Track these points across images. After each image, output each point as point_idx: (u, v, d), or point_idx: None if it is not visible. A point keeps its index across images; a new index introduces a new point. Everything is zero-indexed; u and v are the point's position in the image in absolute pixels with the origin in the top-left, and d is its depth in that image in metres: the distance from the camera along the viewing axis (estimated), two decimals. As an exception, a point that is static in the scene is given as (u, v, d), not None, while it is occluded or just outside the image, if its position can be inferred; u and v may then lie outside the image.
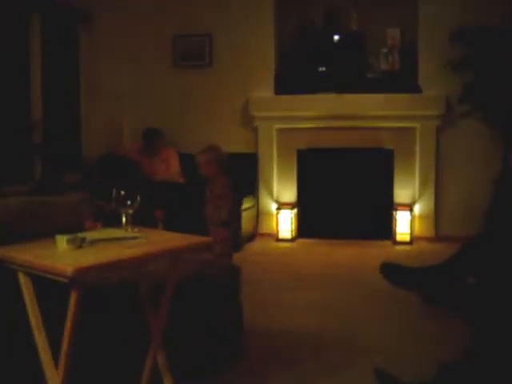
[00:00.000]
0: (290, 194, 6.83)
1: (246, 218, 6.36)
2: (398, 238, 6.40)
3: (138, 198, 2.48)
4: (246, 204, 6.37)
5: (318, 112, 6.59)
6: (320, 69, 6.78)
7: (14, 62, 5.63)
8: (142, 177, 6.32)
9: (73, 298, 1.98)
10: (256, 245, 6.51)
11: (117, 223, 2.54)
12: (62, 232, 2.16)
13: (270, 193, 6.84)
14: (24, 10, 5.57)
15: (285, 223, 6.64)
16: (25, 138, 5.64)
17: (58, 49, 6.29)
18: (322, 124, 6.63)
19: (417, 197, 6.55)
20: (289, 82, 6.78)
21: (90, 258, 2.07)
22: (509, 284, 2.72)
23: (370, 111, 6.49)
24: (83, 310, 2.05)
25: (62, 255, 2.11)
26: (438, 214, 6.55)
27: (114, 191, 2.47)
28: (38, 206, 2.60)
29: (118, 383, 2.63)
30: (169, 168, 6.39)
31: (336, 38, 6.82)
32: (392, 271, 4.12)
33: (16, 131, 5.48)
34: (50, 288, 2.10)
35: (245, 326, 3.38)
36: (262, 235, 6.81)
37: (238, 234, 4.78)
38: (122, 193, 2.46)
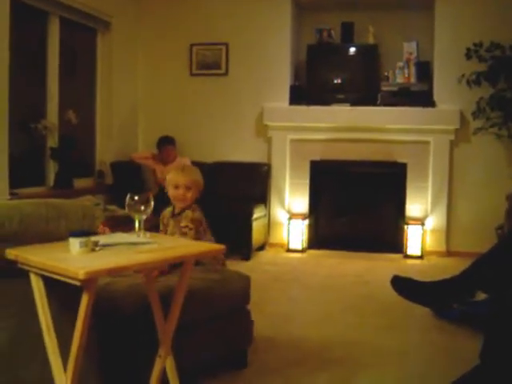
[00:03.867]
0: (301, 204, 6.84)
1: (258, 227, 6.38)
2: (409, 252, 6.39)
3: (152, 203, 2.48)
4: (258, 213, 6.38)
5: (332, 124, 6.61)
6: (335, 80, 6.80)
7: (32, 67, 5.68)
8: (156, 183, 6.36)
9: (84, 300, 1.99)
10: (266, 254, 6.51)
11: (130, 228, 2.55)
12: (75, 235, 2.17)
13: (282, 203, 6.84)
14: (44, 16, 5.61)
15: (296, 234, 6.64)
16: (40, 141, 5.67)
17: (76, 55, 6.34)
18: (335, 136, 6.65)
19: (429, 211, 6.53)
20: (304, 92, 6.80)
21: (102, 261, 2.08)
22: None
23: (384, 124, 6.50)
24: (93, 313, 2.06)
25: (75, 258, 2.12)
26: (449, 229, 6.53)
27: (128, 196, 2.48)
28: (52, 208, 2.61)
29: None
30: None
31: (352, 50, 6.85)
32: (403, 285, 4.09)
33: (31, 135, 5.51)
34: (61, 290, 2.11)
35: (252, 336, 3.37)
36: (273, 245, 6.82)
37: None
38: (136, 198, 2.46)
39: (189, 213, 3.39)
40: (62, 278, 2.00)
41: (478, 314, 3.67)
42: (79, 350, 2.05)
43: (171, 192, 3.49)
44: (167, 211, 3.55)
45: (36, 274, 2.12)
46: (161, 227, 3.52)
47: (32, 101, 5.69)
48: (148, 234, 2.50)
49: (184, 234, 3.27)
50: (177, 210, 3.48)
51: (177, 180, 3.49)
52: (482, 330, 2.97)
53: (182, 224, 3.33)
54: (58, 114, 5.81)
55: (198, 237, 3.27)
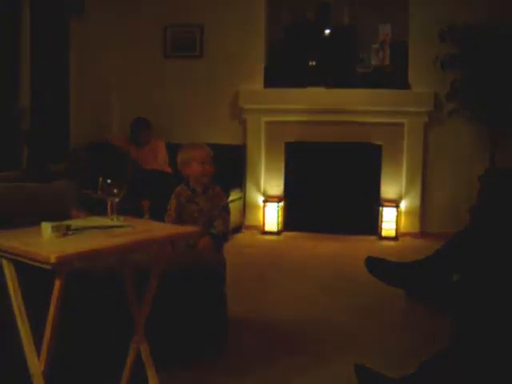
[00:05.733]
0: (277, 186, 6.84)
1: (233, 210, 6.33)
2: (384, 233, 6.44)
3: (125, 186, 2.47)
4: (233, 196, 6.38)
5: (307, 106, 6.60)
6: (310, 62, 6.79)
7: (3, 48, 5.58)
8: (132, 165, 6.31)
9: (56, 285, 1.98)
10: (242, 237, 6.52)
11: (103, 212, 2.53)
12: (48, 220, 2.15)
13: (257, 185, 6.84)
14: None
15: (271, 216, 6.65)
16: (12, 124, 5.59)
17: (49, 35, 6.24)
18: (310, 118, 6.64)
19: (403, 193, 6.58)
20: (279, 75, 6.78)
21: (74, 245, 2.07)
22: (493, 280, 2.74)
23: (359, 106, 6.50)
24: (67, 299, 2.05)
25: (47, 243, 2.10)
26: (423, 211, 6.58)
27: (100, 179, 2.46)
28: (24, 193, 2.59)
29: (100, 372, 2.63)
30: (156, 158, 6.39)
31: (327, 31, 6.83)
32: (377, 265, 4.12)
33: (3, 118, 5.43)
34: (34, 275, 2.10)
35: (229, 319, 3.38)
36: (249, 227, 6.82)
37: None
38: (109, 181, 2.45)
39: (222, 194, 3.63)
40: (34, 263, 1.98)
41: (451, 295, 3.71)
42: (52, 335, 2.04)
43: (197, 168, 3.51)
44: (183, 189, 3.57)
45: (7, 259, 2.10)
46: (173, 205, 3.54)
47: (3, 84, 5.60)
48: (121, 218, 2.48)
49: (226, 212, 3.57)
50: (200, 188, 3.53)
51: (203, 156, 3.54)
52: (454, 311, 3.01)
53: (223, 203, 3.60)
54: (31, 97, 5.73)
55: None
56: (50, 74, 6.26)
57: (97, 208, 2.84)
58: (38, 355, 2.08)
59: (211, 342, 3.26)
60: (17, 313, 2.12)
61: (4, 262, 2.11)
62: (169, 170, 6.30)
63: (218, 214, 3.53)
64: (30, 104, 5.71)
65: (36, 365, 2.09)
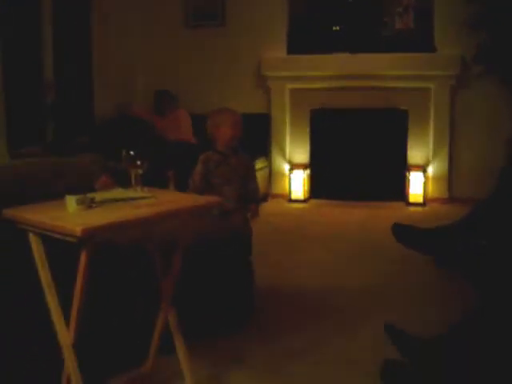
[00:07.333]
0: (302, 154, 6.81)
1: (259, 178, 6.29)
2: (411, 199, 6.39)
3: (149, 157, 2.47)
4: (259, 165, 6.36)
5: (332, 72, 6.53)
6: (334, 28, 6.70)
7: (26, 21, 5.58)
8: (155, 137, 6.32)
9: (82, 257, 1.99)
10: (268, 205, 6.51)
11: (128, 184, 2.53)
12: (74, 193, 2.16)
13: (283, 153, 6.82)
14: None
15: (297, 184, 6.64)
16: (37, 98, 5.62)
17: (70, 8, 6.23)
18: (335, 84, 6.57)
19: (430, 158, 6.51)
20: (302, 41, 6.71)
21: (99, 217, 2.07)
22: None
23: (384, 71, 6.42)
24: (93, 270, 2.06)
25: (72, 215, 2.11)
26: (451, 176, 6.51)
27: (124, 151, 2.46)
28: (49, 167, 2.60)
29: (128, 343, 2.66)
30: (180, 129, 6.38)
31: (351, -4, 6.72)
32: (404, 232, 4.09)
33: (28, 92, 5.45)
34: (60, 248, 2.11)
35: (256, 287, 3.40)
36: (275, 196, 6.82)
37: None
38: (132, 153, 2.45)
39: (250, 161, 3.76)
40: (60, 236, 2.00)
41: (476, 261, 3.69)
42: (80, 305, 2.06)
43: (227, 131, 3.45)
44: (211, 154, 3.48)
45: (34, 233, 2.12)
46: (199, 169, 3.44)
47: (27, 57, 5.61)
48: (146, 189, 2.49)
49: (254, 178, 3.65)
50: (228, 151, 3.48)
51: (234, 119, 3.49)
52: (478, 278, 2.99)
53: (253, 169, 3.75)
54: (54, 70, 5.73)
55: None
56: (72, 46, 6.26)
57: (122, 180, 2.86)
58: (67, 326, 2.12)
59: (238, 310, 3.28)
60: (45, 286, 2.14)
61: (31, 235, 2.13)
62: (193, 140, 6.30)
63: (250, 176, 3.61)
64: (54, 77, 5.72)
65: (66, 336, 2.12)
